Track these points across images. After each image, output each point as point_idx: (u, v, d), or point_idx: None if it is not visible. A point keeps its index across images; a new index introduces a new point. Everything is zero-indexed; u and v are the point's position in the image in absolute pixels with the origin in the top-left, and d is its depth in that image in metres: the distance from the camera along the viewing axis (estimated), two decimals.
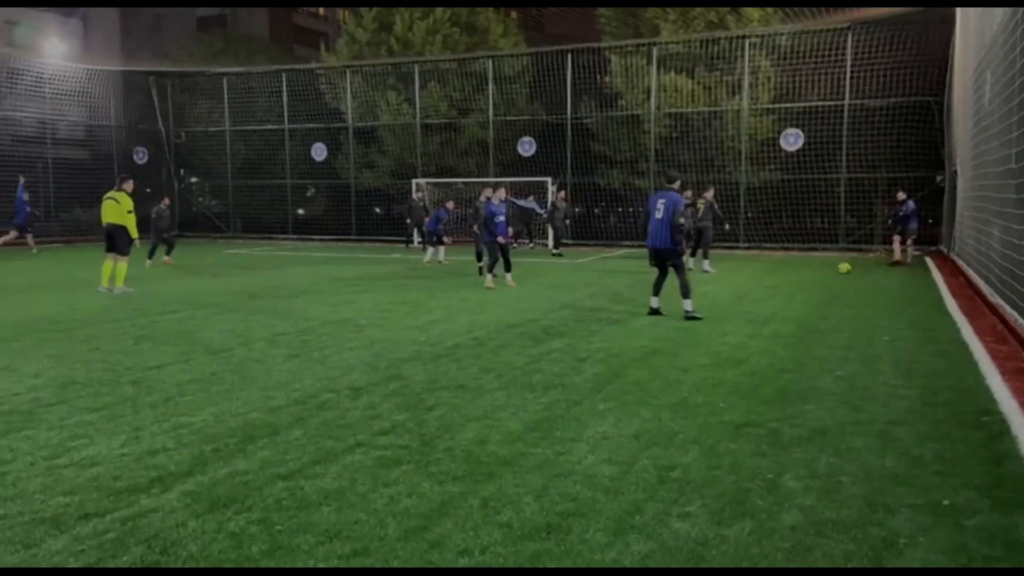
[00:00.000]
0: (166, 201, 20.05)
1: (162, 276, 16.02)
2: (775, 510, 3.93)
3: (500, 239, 13.74)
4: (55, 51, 29.86)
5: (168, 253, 18.56)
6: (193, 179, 34.79)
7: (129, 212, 13.01)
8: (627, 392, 6.26)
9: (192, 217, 33.42)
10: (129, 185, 13.24)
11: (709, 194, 17.31)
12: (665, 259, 10.04)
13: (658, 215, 9.82)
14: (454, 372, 7.01)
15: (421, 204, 24.62)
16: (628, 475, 4.41)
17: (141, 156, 31.60)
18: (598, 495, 4.12)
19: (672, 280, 10.33)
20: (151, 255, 17.96)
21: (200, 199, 34.93)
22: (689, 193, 18.97)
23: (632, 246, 25.46)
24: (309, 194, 33.34)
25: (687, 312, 9.96)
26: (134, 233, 13.01)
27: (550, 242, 23.47)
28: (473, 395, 6.17)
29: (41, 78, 28.46)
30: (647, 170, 25.81)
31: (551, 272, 16.97)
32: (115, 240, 12.99)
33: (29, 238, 22.66)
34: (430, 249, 18.92)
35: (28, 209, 22.24)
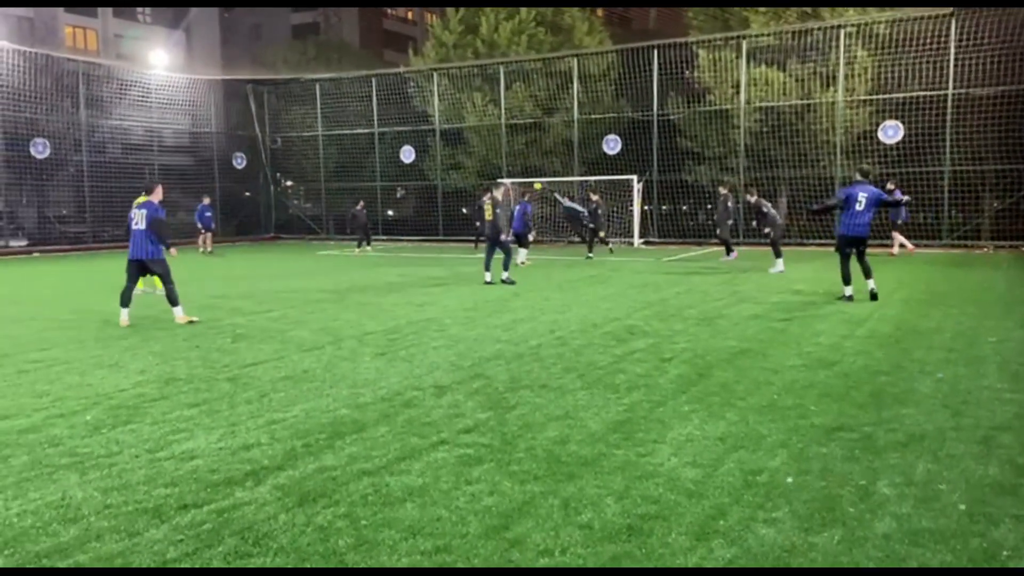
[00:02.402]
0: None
1: (258, 276, 16.65)
2: (867, 518, 3.79)
3: (503, 236, 14.37)
4: (160, 62, 31.34)
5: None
6: (288, 183, 36.05)
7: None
8: (712, 393, 6.14)
9: (287, 220, 34.67)
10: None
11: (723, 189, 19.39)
12: (860, 246, 11.06)
13: (859, 207, 10.66)
14: (536, 371, 7.02)
15: (364, 212, 25.66)
16: (712, 478, 4.33)
17: (240, 161, 32.94)
18: (681, 498, 4.06)
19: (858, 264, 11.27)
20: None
21: (295, 202, 36.16)
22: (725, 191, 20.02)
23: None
24: (399, 195, 34.05)
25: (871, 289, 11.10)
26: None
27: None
28: (555, 395, 6.18)
29: (148, 88, 30.03)
30: (736, 166, 25.23)
31: (637, 271, 16.80)
32: None
33: (206, 238, 24.83)
34: (522, 250, 18.34)
35: (208, 214, 24.81)
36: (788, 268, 16.02)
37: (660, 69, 26.00)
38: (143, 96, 29.98)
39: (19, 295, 14.09)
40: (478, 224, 25.75)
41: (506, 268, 14.33)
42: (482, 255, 16.03)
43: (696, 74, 25.90)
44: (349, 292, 13.54)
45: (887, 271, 15.76)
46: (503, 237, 14.25)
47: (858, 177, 11.05)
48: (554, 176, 28.35)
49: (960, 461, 4.56)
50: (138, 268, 10.04)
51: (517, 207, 18.36)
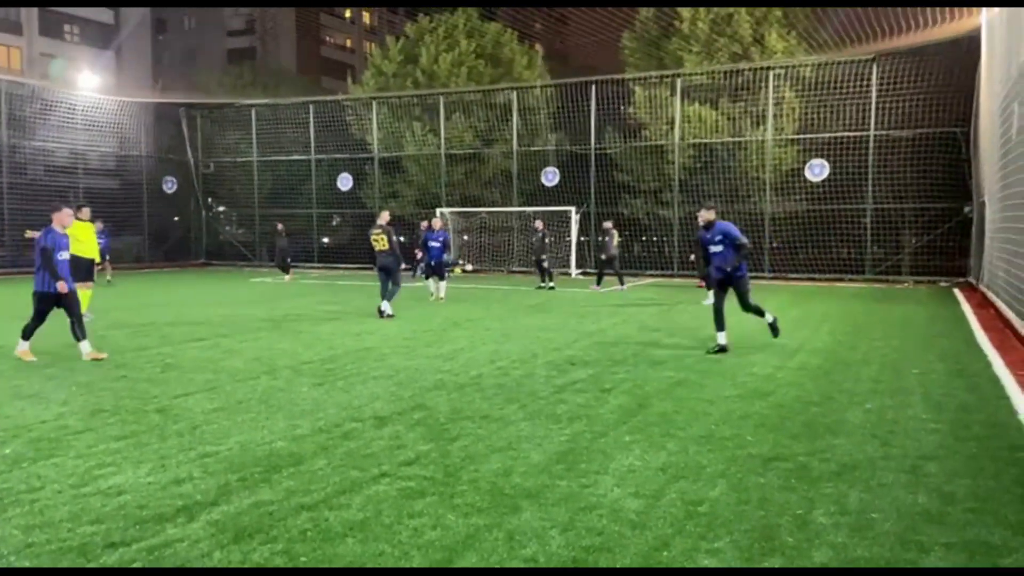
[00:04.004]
0: None
1: (189, 303, 16.21)
2: (805, 547, 3.86)
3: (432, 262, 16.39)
4: (88, 83, 30.57)
5: None
6: (220, 208, 35.32)
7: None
8: (653, 424, 6.20)
9: (219, 246, 33.90)
10: (83, 213, 13.53)
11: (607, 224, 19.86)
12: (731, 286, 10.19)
13: (715, 248, 9.82)
14: (478, 402, 6.99)
15: (284, 236, 24.96)
16: (655, 509, 4.36)
17: (170, 186, 32.18)
18: (625, 529, 4.08)
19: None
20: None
21: (227, 227, 35.43)
22: (541, 224, 20.87)
23: (658, 275, 25.42)
24: (335, 223, 33.70)
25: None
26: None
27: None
28: (497, 425, 6.15)
29: (74, 109, 29.15)
30: (671, 200, 25.81)
31: (575, 302, 16.95)
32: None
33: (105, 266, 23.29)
34: (431, 282, 17.36)
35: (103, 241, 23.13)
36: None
37: (598, 104, 26.55)
38: (69, 117, 29.06)
39: None
40: (418, 255, 25.71)
41: (389, 298, 13.73)
42: (421, 283, 15.99)
43: (632, 110, 26.53)
44: (284, 320, 13.28)
45: (813, 303, 16.28)
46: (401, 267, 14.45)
47: (711, 217, 9.92)
48: (492, 206, 28.51)
49: (891, 490, 4.70)
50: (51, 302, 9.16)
51: (434, 235, 17.28)
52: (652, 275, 25.41)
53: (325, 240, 32.86)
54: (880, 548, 3.84)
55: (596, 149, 26.73)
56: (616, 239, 19.56)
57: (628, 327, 12.44)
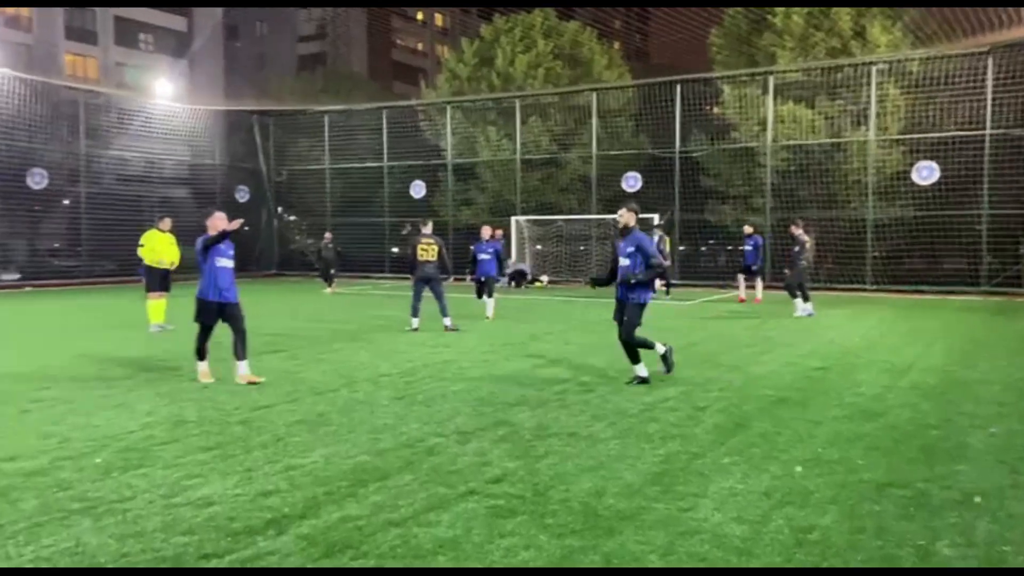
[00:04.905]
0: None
1: (262, 314, 16.74)
2: None
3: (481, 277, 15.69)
4: (163, 91, 31.91)
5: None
6: (292, 217, 36.37)
7: (140, 246, 14.21)
8: (753, 445, 6.12)
9: (290, 255, 34.89)
10: (163, 224, 14.42)
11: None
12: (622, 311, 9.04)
13: (625, 260, 8.70)
14: (564, 419, 7.02)
15: (331, 245, 24.74)
16: (761, 536, 4.30)
17: (243, 195, 33.24)
18: (730, 556, 4.04)
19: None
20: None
21: (298, 237, 36.45)
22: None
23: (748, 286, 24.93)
24: (404, 232, 34.28)
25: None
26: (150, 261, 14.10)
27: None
28: (586, 444, 6.18)
29: (149, 118, 30.43)
30: (763, 206, 25.36)
31: (661, 316, 16.82)
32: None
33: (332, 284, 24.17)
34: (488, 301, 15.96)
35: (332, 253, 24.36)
36: (819, 313, 16.00)
37: (683, 104, 26.32)
38: (143, 126, 30.36)
39: (12, 331, 14.19)
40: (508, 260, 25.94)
41: (445, 312, 13.86)
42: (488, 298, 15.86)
43: (720, 110, 26.22)
44: (360, 332, 13.59)
45: (924, 318, 15.73)
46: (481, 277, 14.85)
47: (631, 222, 8.75)
48: (570, 214, 28.55)
49: (1022, 521, 4.52)
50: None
51: (483, 246, 16.26)
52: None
53: (395, 249, 33.46)
54: None
55: (681, 152, 26.50)
56: (808, 245, 16.49)
57: (719, 342, 12.33)
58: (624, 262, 8.65)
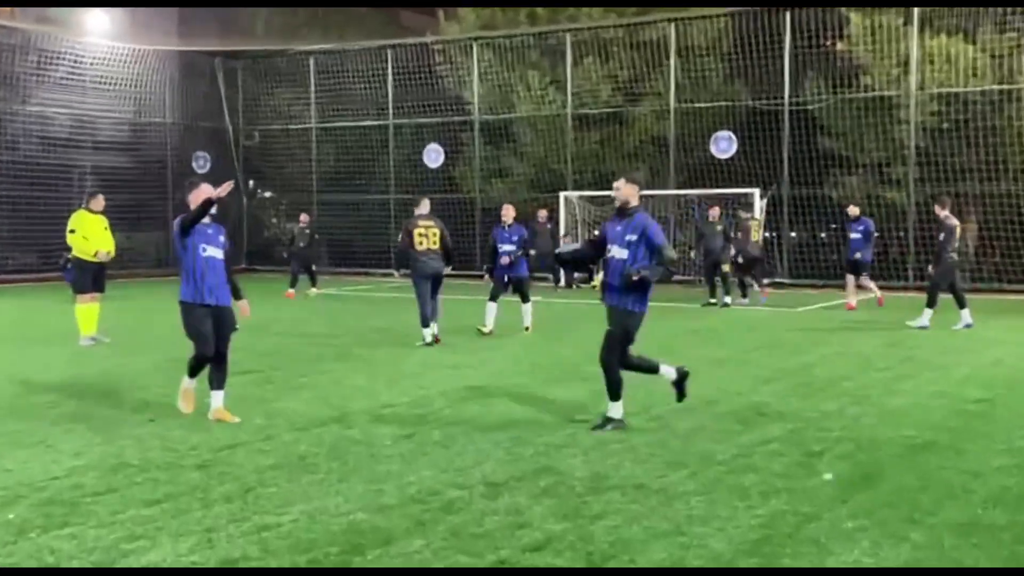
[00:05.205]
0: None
1: None
2: None
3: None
4: (97, 27, 32.14)
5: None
6: (267, 193, 36.72)
7: (71, 232, 14.27)
8: (886, 504, 6.11)
9: (265, 245, 35.15)
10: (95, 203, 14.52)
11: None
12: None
13: (611, 253, 8.72)
14: (628, 466, 7.05)
15: (308, 231, 24.43)
16: None
17: (203, 163, 33.57)
18: None
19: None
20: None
21: (274, 220, 36.84)
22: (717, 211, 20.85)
23: (882, 285, 24.67)
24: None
25: None
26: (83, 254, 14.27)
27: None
28: (658, 500, 6.20)
29: (79, 62, 30.72)
30: (904, 176, 25.07)
31: (762, 325, 16.72)
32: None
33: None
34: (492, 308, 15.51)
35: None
36: (979, 324, 15.80)
37: (794, 39, 26.11)
38: (72, 73, 30.62)
39: None
40: (532, 253, 25.99)
41: (435, 316, 14.11)
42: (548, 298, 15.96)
43: (845, 47, 25.96)
44: (355, 347, 13.73)
45: None
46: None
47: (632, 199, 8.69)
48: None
49: None
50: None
51: (507, 233, 15.56)
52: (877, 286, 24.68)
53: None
54: None
55: (791, 104, 26.28)
56: (961, 232, 16.85)
57: (843, 362, 12.25)
58: (619, 253, 8.49)
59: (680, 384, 8.82)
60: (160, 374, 11.29)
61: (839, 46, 26.28)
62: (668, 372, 8.80)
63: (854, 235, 19.08)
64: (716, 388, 10.30)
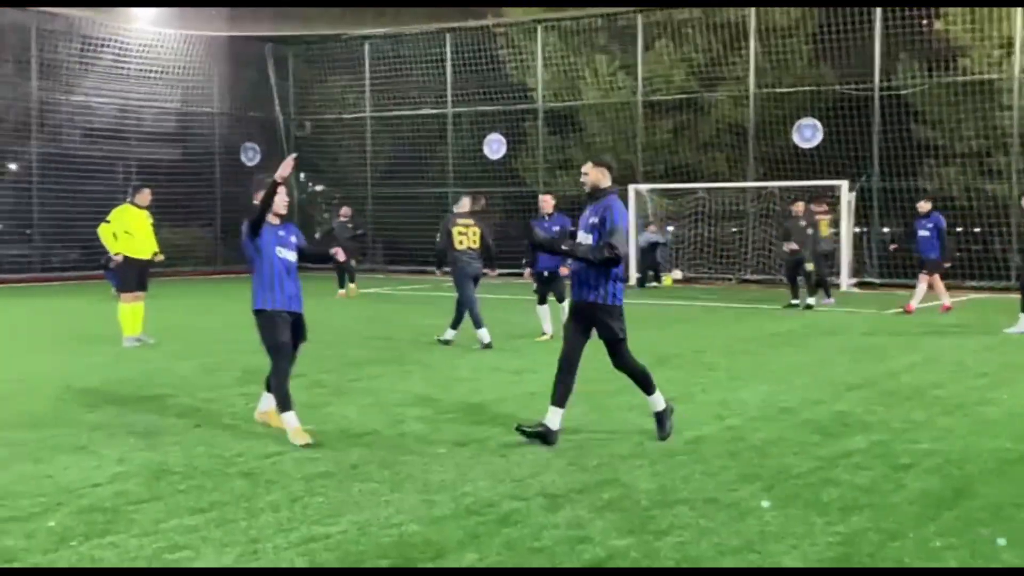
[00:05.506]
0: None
1: None
2: None
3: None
4: (143, 12, 32.32)
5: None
6: (318, 187, 37.05)
7: (106, 222, 14.65)
8: (979, 522, 6.04)
9: (317, 241, 35.46)
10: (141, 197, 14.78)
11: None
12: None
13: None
14: (698, 478, 7.05)
15: (350, 225, 24.45)
16: None
17: (252, 156, 33.96)
18: None
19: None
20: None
21: (326, 215, 37.19)
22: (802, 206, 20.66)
23: (984, 286, 24.28)
24: (478, 207, 34.59)
25: None
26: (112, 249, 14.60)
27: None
28: (729, 514, 6.19)
29: (125, 50, 31.22)
30: (1007, 168, 24.64)
31: (848, 329, 16.56)
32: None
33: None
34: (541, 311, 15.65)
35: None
36: None
37: (885, 19, 25.79)
38: (117, 61, 31.07)
39: None
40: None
41: (456, 325, 14.33)
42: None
43: (943, 26, 25.59)
44: (409, 350, 13.88)
45: None
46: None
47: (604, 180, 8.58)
48: (714, 180, 28.32)
49: None
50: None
51: (545, 223, 15.09)
52: (974, 287, 24.32)
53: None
54: None
55: (882, 89, 25.99)
56: None
57: (934, 369, 12.13)
58: (585, 239, 8.42)
59: (662, 417, 8.49)
60: (206, 377, 11.57)
61: (935, 25, 25.93)
62: (656, 401, 8.55)
63: (923, 232, 18.83)
64: (795, 396, 10.26)
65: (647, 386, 8.53)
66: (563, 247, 8.48)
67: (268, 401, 8.79)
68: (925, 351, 13.79)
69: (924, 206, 19.07)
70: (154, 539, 5.72)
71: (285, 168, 8.28)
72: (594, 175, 8.52)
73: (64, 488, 6.80)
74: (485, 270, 14.58)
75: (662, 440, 8.28)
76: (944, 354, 13.46)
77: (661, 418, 8.43)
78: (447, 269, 14.72)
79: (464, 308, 14.17)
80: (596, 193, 8.50)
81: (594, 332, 8.53)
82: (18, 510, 6.29)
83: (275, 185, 8.28)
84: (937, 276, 19.00)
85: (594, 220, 8.34)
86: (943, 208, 26.20)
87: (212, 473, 7.20)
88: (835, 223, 24.36)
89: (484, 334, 13.99)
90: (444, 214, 31.60)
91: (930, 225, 18.73)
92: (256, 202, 8.60)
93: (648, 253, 26.90)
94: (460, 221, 14.30)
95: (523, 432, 8.16)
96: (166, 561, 5.37)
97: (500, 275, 16.06)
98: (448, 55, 32.14)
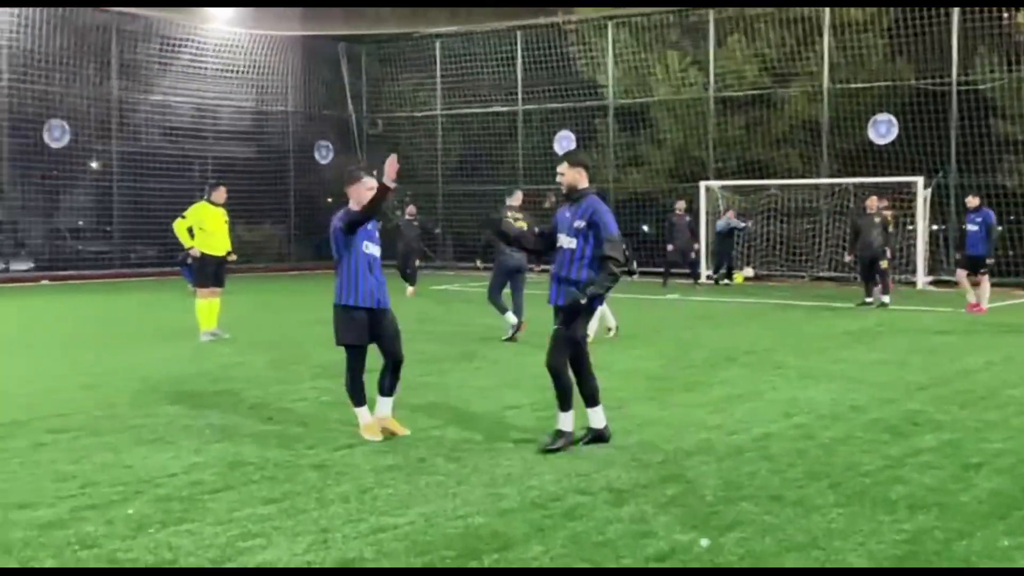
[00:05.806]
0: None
1: None
2: None
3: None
4: (219, 13, 32.80)
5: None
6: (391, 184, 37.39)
7: (181, 218, 15.04)
8: None
9: (387, 238, 35.80)
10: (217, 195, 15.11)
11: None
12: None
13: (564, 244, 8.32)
14: (764, 475, 7.07)
15: (415, 223, 24.58)
16: None
17: (325, 153, 34.38)
18: None
19: None
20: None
21: (397, 212, 37.49)
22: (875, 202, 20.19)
23: None
24: (547, 205, 34.65)
25: None
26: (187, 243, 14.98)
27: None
28: (795, 512, 6.20)
29: (202, 50, 31.81)
30: None
31: (923, 327, 16.37)
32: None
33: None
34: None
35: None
36: None
37: (963, 12, 25.37)
38: (193, 61, 31.66)
39: (22, 339, 15.43)
40: (669, 248, 26.01)
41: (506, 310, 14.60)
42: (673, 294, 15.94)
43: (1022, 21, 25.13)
44: (478, 345, 14.02)
45: None
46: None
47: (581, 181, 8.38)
48: (787, 177, 28.08)
49: None
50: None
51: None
52: None
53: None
54: None
55: (960, 84, 25.58)
56: None
57: (1010, 368, 11.98)
58: (568, 243, 8.14)
59: (598, 437, 8.13)
60: (280, 371, 11.82)
61: (1017, 18, 25.47)
62: (596, 417, 8.20)
63: (971, 227, 18.56)
64: (866, 395, 10.19)
65: (564, 401, 8.08)
66: (595, 290, 7.86)
67: (387, 406, 8.53)
68: (1001, 350, 13.58)
69: (973, 201, 18.81)
70: (228, 527, 5.90)
71: (392, 170, 8.05)
72: (571, 175, 8.31)
73: (142, 478, 7.02)
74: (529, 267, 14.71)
75: (542, 450, 7.81)
76: (1019, 353, 13.29)
77: (559, 433, 7.95)
78: (488, 264, 15.18)
79: (518, 297, 14.70)
80: (574, 194, 8.27)
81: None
82: (99, 498, 6.52)
83: (385, 189, 8.11)
84: (979, 272, 18.71)
85: (580, 224, 8.07)
86: (1013, 204, 25.85)
87: (284, 465, 7.38)
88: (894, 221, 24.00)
89: (510, 317, 14.58)
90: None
91: (979, 220, 18.49)
92: (351, 197, 8.46)
93: (726, 239, 26.77)
94: (510, 214, 14.43)
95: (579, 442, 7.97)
96: (239, 549, 5.53)
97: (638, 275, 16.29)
98: (518, 52, 32.25)
